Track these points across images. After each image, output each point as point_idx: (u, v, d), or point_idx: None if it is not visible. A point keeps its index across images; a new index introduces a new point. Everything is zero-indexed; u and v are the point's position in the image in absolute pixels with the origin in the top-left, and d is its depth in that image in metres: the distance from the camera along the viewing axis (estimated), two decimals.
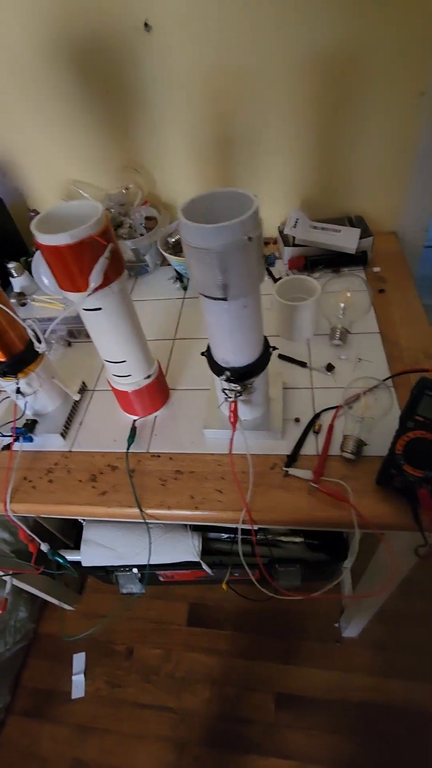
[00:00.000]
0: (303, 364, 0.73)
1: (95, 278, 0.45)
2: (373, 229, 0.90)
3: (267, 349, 0.56)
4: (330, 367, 0.71)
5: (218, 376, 0.56)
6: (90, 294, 0.47)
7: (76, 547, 1.11)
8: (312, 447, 0.62)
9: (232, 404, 0.55)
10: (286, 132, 0.87)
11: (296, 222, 0.88)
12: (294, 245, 0.89)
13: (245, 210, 0.41)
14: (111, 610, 1.38)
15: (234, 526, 0.57)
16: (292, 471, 0.59)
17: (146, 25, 0.76)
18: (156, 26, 0.76)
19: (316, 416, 0.65)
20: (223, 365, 0.54)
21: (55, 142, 0.94)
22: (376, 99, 0.81)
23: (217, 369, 0.55)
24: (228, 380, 0.55)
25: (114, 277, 0.49)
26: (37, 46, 0.81)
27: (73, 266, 0.45)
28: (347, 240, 0.86)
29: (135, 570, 1.23)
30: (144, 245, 0.92)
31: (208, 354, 0.56)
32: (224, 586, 1.21)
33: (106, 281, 0.47)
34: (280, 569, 1.21)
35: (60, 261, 0.44)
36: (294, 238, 0.88)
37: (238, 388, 0.55)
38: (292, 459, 0.60)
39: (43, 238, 0.43)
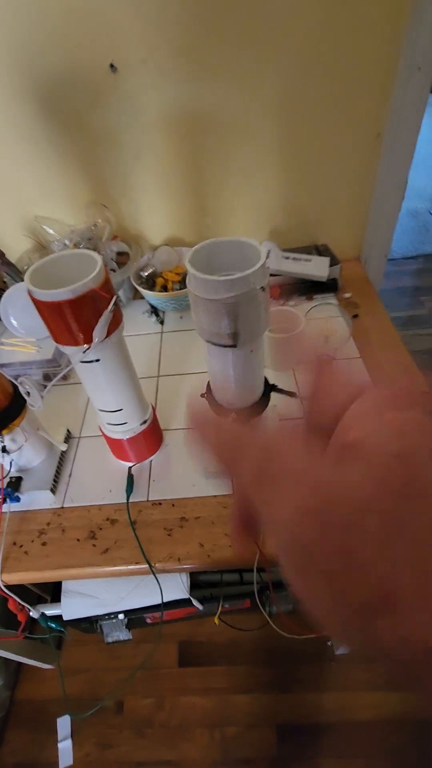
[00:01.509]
0: (292, 394, 0.73)
1: (99, 333, 0.42)
2: (339, 256, 0.94)
3: (267, 388, 0.56)
4: None
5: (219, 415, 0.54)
6: (89, 348, 0.44)
7: (54, 599, 1.04)
8: None
9: None
10: (254, 166, 0.89)
11: (268, 253, 0.90)
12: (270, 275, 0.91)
13: (248, 257, 0.41)
14: (94, 662, 1.29)
15: (249, 569, 0.55)
16: None
17: (112, 66, 0.75)
18: (121, 68, 0.76)
19: None
20: (227, 407, 0.54)
21: (20, 179, 0.90)
22: (338, 139, 0.85)
23: (217, 410, 0.54)
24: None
25: (114, 328, 0.46)
26: (1, 84, 0.78)
27: (72, 321, 0.42)
28: (318, 269, 0.89)
29: (121, 616, 1.17)
30: (117, 281, 0.89)
31: (209, 397, 0.55)
32: (216, 620, 1.18)
33: (107, 333, 0.45)
34: (272, 595, 1.19)
35: (59, 316, 0.42)
36: (268, 269, 0.90)
37: None
38: None
39: (41, 294, 0.40)
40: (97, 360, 0.50)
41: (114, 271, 0.89)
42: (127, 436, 0.60)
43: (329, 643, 1.25)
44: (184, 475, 0.64)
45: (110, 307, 0.42)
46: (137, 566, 0.55)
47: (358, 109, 0.81)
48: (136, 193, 0.92)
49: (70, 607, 1.01)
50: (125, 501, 0.60)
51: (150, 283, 0.90)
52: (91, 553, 0.56)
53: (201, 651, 1.28)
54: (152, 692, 1.23)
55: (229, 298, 0.40)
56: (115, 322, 0.47)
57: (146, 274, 0.91)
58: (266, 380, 0.55)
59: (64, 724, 1.19)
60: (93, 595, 1.09)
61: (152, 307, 0.92)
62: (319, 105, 0.81)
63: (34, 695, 1.25)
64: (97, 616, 1.13)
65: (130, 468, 0.64)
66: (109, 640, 1.22)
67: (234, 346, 0.44)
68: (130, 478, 0.63)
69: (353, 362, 0.78)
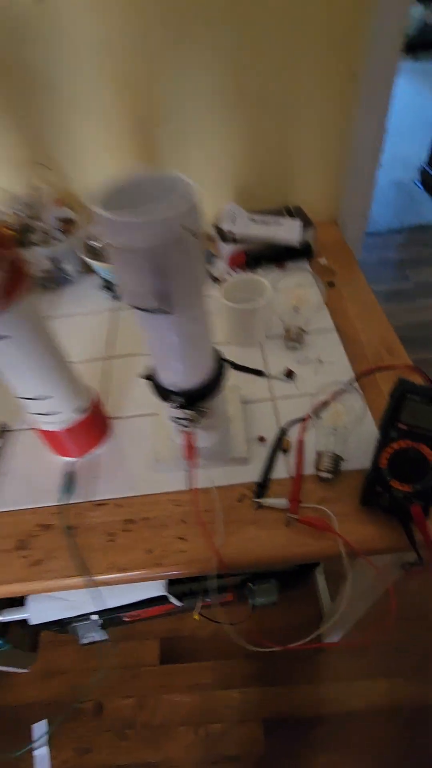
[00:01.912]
0: (260, 373, 0.65)
1: None
2: (314, 219, 0.84)
3: (221, 365, 0.47)
4: (290, 374, 0.64)
5: (166, 403, 0.46)
6: None
7: (20, 602, 0.96)
8: (282, 469, 0.54)
9: (187, 436, 0.45)
10: (215, 117, 0.79)
11: (234, 218, 0.80)
12: (233, 241, 0.81)
13: (181, 198, 0.32)
14: (72, 664, 1.22)
15: (205, 575, 0.48)
16: (265, 501, 0.50)
17: None
18: None
19: (282, 432, 0.57)
20: (172, 389, 0.45)
21: None
22: (308, 82, 0.75)
23: (163, 394, 0.45)
24: (181, 407, 0.45)
25: (15, 292, 0.37)
26: None
27: None
28: (290, 232, 0.80)
29: (95, 617, 1.10)
30: (62, 252, 0.79)
31: (150, 377, 0.46)
32: (196, 616, 1.11)
33: (8, 301, 0.36)
34: (255, 587, 1.13)
35: None
36: (233, 234, 0.80)
37: (193, 415, 0.45)
38: (263, 486, 0.52)
39: None
40: (7, 336, 0.40)
41: (59, 240, 0.78)
42: (62, 427, 0.51)
43: (317, 633, 1.20)
44: (134, 470, 0.55)
45: None
46: (73, 579, 0.46)
47: (330, 45, 0.70)
48: (79, 150, 0.81)
49: (37, 612, 0.93)
50: (62, 503, 0.52)
51: (102, 254, 0.80)
52: (20, 565, 0.48)
53: (184, 647, 1.23)
54: (133, 692, 1.17)
55: (150, 246, 0.30)
56: (18, 285, 0.37)
57: (96, 243, 0.81)
58: (219, 354, 0.47)
59: (40, 729, 1.13)
60: (62, 597, 1.01)
61: (105, 281, 0.82)
62: (283, 42, 0.70)
63: (8, 701, 1.18)
64: (68, 618, 1.06)
65: (68, 464, 0.56)
66: (85, 641, 1.15)
67: (166, 311, 0.35)
68: (68, 476, 0.54)
69: (328, 335, 0.69)
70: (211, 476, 0.53)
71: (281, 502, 0.49)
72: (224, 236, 0.82)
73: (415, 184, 2.83)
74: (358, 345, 0.67)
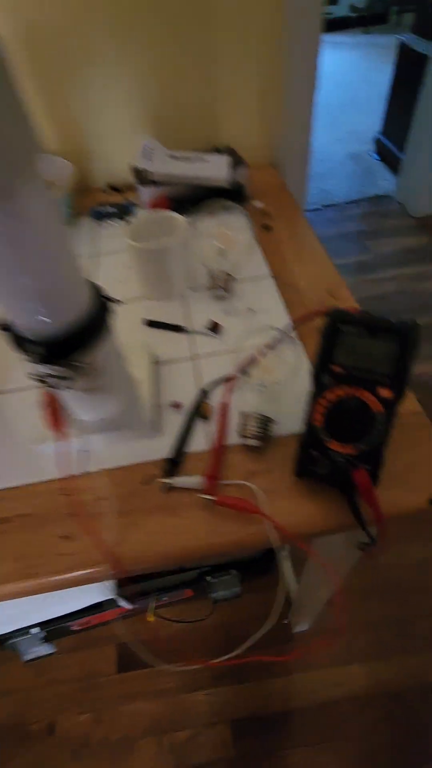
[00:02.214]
0: (178, 328, 0.53)
1: None
2: (250, 161, 0.73)
3: (101, 304, 0.35)
4: (215, 327, 0.53)
5: (25, 357, 0.34)
6: None
7: None
8: (202, 440, 0.43)
9: (48, 397, 0.34)
10: (127, 40, 0.66)
11: (150, 153, 0.67)
12: (152, 183, 0.69)
13: None
14: (18, 682, 1.10)
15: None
16: (175, 481, 0.39)
17: None
18: None
19: (203, 395, 0.46)
20: (28, 337, 0.33)
21: None
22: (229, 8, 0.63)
23: (19, 344, 0.33)
24: (44, 361, 0.33)
25: None
26: None
27: None
28: (217, 170, 0.68)
29: (35, 630, 0.97)
30: None
31: (6, 327, 0.34)
32: (151, 617, 1.01)
33: None
34: (214, 581, 1.03)
35: None
36: (151, 174, 0.68)
37: (63, 371, 0.34)
38: (174, 463, 0.41)
39: None
40: None
41: None
42: None
43: (286, 621, 1.12)
44: (8, 452, 0.43)
45: None
46: None
47: None
48: None
49: None
50: None
51: None
52: None
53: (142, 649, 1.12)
54: (88, 706, 1.06)
55: None
56: None
57: None
58: (96, 288, 0.35)
59: None
60: None
61: None
62: None
63: None
64: (2, 635, 0.94)
65: None
66: (28, 657, 1.03)
67: None
68: None
69: (261, 282, 0.58)
70: (109, 454, 0.41)
71: (195, 480, 0.38)
72: (142, 178, 0.70)
73: (371, 155, 2.77)
74: (297, 291, 0.56)
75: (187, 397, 0.46)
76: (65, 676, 1.09)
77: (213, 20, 0.65)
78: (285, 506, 0.37)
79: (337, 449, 0.35)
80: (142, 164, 0.68)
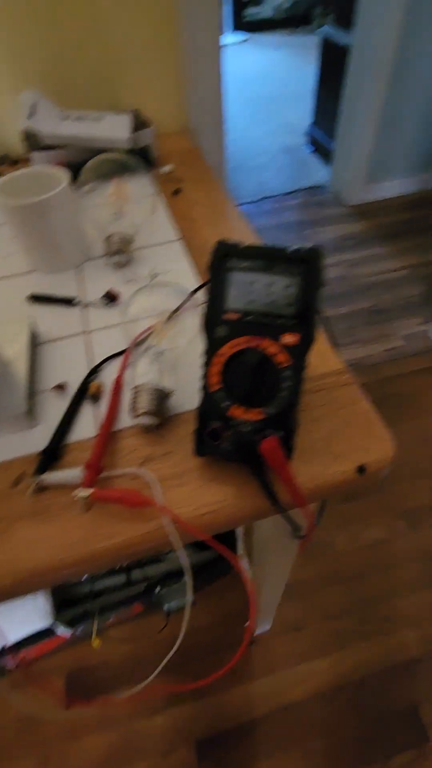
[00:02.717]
0: (69, 302, 0.45)
1: None
2: (160, 129, 0.66)
3: None
4: (111, 296, 0.45)
5: None
6: None
7: None
8: (91, 425, 0.35)
9: None
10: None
11: (34, 109, 0.59)
12: (45, 148, 0.60)
13: None
14: None
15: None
16: (48, 478, 0.31)
17: None
18: None
19: (93, 373, 0.38)
20: None
21: None
22: None
23: None
24: None
25: None
26: None
27: None
28: (116, 129, 0.60)
29: None
30: None
31: None
32: (95, 643, 0.91)
33: None
34: (163, 591, 0.95)
35: None
36: (40, 135, 0.59)
37: None
38: (51, 456, 0.33)
39: None
40: None
41: None
42: None
43: (247, 623, 1.05)
44: None
45: None
46: None
47: None
48: None
49: None
50: None
51: None
52: None
53: (94, 678, 1.01)
54: (32, 749, 0.93)
55: None
56: None
57: None
58: None
59: None
60: None
61: None
62: None
63: None
64: None
65: None
66: None
67: None
68: None
69: (168, 246, 0.51)
70: None
71: (73, 474, 0.30)
72: (33, 141, 0.61)
73: (305, 147, 2.81)
74: (208, 254, 0.50)
75: (77, 378, 0.38)
76: (3, 720, 0.96)
77: None
78: (187, 494, 0.30)
79: (241, 416, 0.28)
80: (26, 124, 0.59)
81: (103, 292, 0.46)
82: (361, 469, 0.31)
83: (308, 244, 0.26)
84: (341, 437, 0.32)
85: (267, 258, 0.27)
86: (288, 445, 0.28)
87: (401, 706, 0.92)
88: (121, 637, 0.98)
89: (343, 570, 1.09)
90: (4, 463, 0.33)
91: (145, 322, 0.39)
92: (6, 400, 0.34)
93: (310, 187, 2.48)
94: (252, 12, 4.25)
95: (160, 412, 0.33)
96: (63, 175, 0.45)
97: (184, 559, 0.29)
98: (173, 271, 0.48)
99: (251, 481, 0.30)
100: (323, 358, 0.38)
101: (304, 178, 2.55)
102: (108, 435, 0.33)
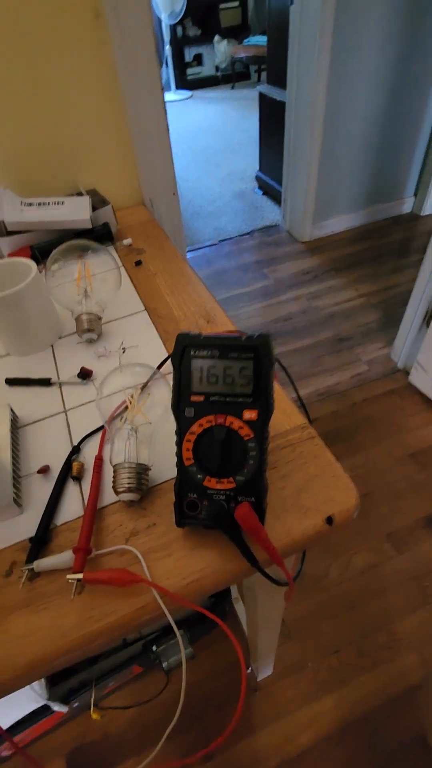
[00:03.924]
0: (46, 382, 0.48)
1: None
2: (119, 205, 0.72)
3: None
4: (85, 374, 0.48)
5: None
6: None
7: None
8: (75, 503, 0.37)
9: None
10: None
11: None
12: (9, 233, 0.64)
13: None
14: None
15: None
16: (40, 564, 0.32)
17: None
18: None
19: (74, 452, 0.40)
20: None
21: None
22: (50, 31, 0.62)
23: None
24: None
25: None
26: None
27: None
28: (77, 211, 0.65)
29: None
30: None
31: None
32: (95, 714, 0.87)
33: None
34: (161, 648, 0.93)
35: None
36: (2, 224, 0.63)
37: None
38: (40, 542, 0.34)
39: None
40: None
41: None
42: None
43: (249, 670, 1.03)
44: None
45: None
46: None
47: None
48: None
49: None
50: None
51: None
52: None
53: (97, 753, 0.96)
54: None
55: None
56: None
57: None
58: None
59: None
60: None
61: None
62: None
63: None
64: None
65: None
66: None
67: None
68: None
69: (135, 318, 0.55)
70: None
71: (63, 558, 0.32)
72: None
73: (256, 191, 2.99)
74: (173, 320, 0.54)
75: (59, 459, 0.40)
76: None
77: (43, 49, 0.64)
78: (173, 565, 0.32)
79: (215, 486, 0.31)
80: None
81: (77, 370, 0.48)
82: (329, 520, 0.34)
83: (258, 332, 0.30)
84: (309, 491, 0.36)
85: (223, 347, 0.30)
86: (260, 508, 0.31)
87: (409, 736, 0.92)
88: (121, 704, 0.94)
89: (338, 601, 1.10)
90: None
91: (119, 396, 0.42)
92: None
93: (265, 227, 2.63)
94: (194, 71, 4.58)
95: (140, 488, 0.35)
96: (31, 266, 0.49)
97: (173, 624, 0.31)
98: (142, 341, 0.51)
99: (231, 544, 0.32)
100: (287, 415, 0.41)
101: (258, 219, 2.71)
102: (93, 515, 0.35)
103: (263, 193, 2.90)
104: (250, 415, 0.30)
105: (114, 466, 0.36)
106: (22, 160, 0.71)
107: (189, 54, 4.47)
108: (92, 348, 0.51)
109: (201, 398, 0.31)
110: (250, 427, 0.30)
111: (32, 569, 0.32)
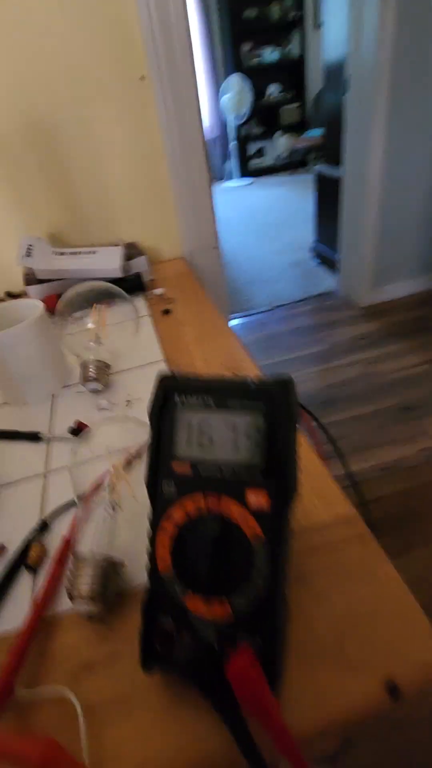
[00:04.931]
0: (34, 437, 0.40)
1: None
2: (158, 257, 0.69)
3: None
4: (77, 429, 0.40)
5: None
6: None
7: None
8: (23, 608, 0.27)
9: None
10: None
11: (29, 249, 0.62)
12: (39, 282, 0.62)
13: None
14: None
15: None
16: None
17: None
18: None
19: (42, 529, 0.31)
20: None
21: None
22: (101, 99, 0.64)
23: None
24: None
25: None
26: None
27: None
28: (108, 261, 0.62)
29: None
30: None
31: None
32: None
33: None
34: None
35: None
36: (33, 271, 0.62)
37: None
38: None
39: None
40: None
41: None
42: None
43: None
44: None
45: None
46: None
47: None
48: None
49: None
50: None
51: None
52: None
53: None
54: None
55: None
56: None
57: None
58: None
59: None
60: None
61: None
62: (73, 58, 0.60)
63: None
64: None
65: None
66: None
67: None
68: None
69: (151, 368, 0.47)
70: None
71: None
72: (28, 278, 0.63)
73: (311, 260, 3.02)
74: (191, 370, 0.45)
75: (22, 534, 0.31)
76: None
77: (92, 112, 0.66)
78: (131, 733, 0.20)
79: (200, 611, 0.19)
80: (22, 261, 0.61)
81: (73, 422, 0.41)
82: (392, 688, 0.20)
83: (275, 374, 0.20)
84: (358, 631, 0.22)
85: (222, 392, 0.21)
86: (271, 658, 0.19)
87: None
88: None
89: None
90: None
91: (108, 460, 0.33)
92: None
93: (320, 294, 2.60)
94: (256, 162, 5.00)
95: (104, 597, 0.24)
96: (38, 306, 0.44)
97: None
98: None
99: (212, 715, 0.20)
100: (326, 501, 0.29)
101: (313, 286, 2.69)
102: (30, 638, 0.24)
103: (319, 262, 2.92)
104: (257, 499, 0.19)
105: (74, 559, 0.25)
106: (69, 212, 0.72)
107: (252, 148, 4.92)
108: (95, 399, 0.44)
109: (187, 468, 0.21)
110: (258, 521, 0.19)
111: None
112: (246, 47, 4.20)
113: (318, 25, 4.17)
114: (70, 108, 0.64)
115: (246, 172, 4.98)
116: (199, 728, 0.20)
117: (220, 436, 0.20)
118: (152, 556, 0.21)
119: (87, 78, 0.62)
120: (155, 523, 0.21)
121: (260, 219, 3.85)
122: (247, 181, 4.90)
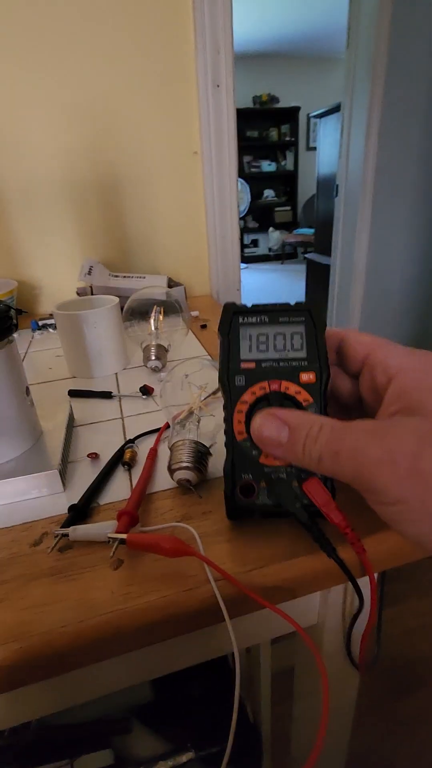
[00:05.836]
0: (107, 395, 0.48)
1: None
2: (189, 293, 0.82)
3: None
4: (147, 390, 0.48)
5: None
6: None
7: None
8: (123, 487, 0.33)
9: None
10: (72, 198, 0.81)
11: (90, 269, 0.74)
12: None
13: None
14: None
15: None
16: (75, 531, 0.28)
17: None
18: None
19: (129, 443, 0.38)
20: None
21: None
22: (159, 163, 0.82)
23: None
24: None
25: None
26: None
27: None
28: (155, 285, 0.75)
29: None
30: None
31: None
32: None
33: None
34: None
35: None
36: (91, 287, 0.73)
37: None
38: (80, 513, 0.30)
39: None
40: None
41: None
42: None
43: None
44: None
45: None
46: None
47: (172, 128, 0.80)
48: None
49: None
50: None
51: None
52: None
53: None
54: None
55: None
56: None
57: None
58: None
59: None
60: None
61: None
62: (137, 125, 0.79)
63: None
64: None
65: None
66: None
67: None
68: None
69: (199, 360, 0.57)
70: None
71: (104, 525, 0.27)
72: (83, 293, 0.74)
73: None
74: None
75: (108, 450, 0.38)
76: None
77: (146, 173, 0.83)
78: (232, 551, 0.27)
79: (273, 464, 0.27)
80: (83, 278, 0.73)
81: (136, 388, 0.49)
82: None
83: (308, 300, 0.30)
84: None
85: (273, 312, 0.30)
86: (330, 485, 0.26)
87: None
88: None
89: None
90: (27, 524, 0.30)
91: (178, 407, 0.41)
92: (36, 463, 0.33)
93: None
94: (250, 250, 5.57)
95: (199, 468, 0.31)
96: (114, 300, 0.54)
97: (226, 615, 0.23)
98: (201, 374, 0.52)
99: (304, 537, 0.27)
100: None
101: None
102: (144, 487, 0.31)
103: None
104: (308, 377, 0.28)
105: (171, 445, 0.33)
106: (119, 246, 0.86)
107: (247, 239, 5.50)
108: (155, 375, 0.53)
109: (252, 365, 0.29)
110: (309, 392, 0.28)
111: (66, 535, 0.27)
112: (247, 158, 4.94)
113: (309, 148, 4.99)
114: (134, 168, 0.81)
115: (242, 258, 5.52)
116: (284, 545, 0.27)
117: (274, 342, 0.30)
118: (230, 431, 0.28)
119: (153, 149, 0.80)
120: (231, 406, 0.29)
121: (254, 298, 4.21)
122: (242, 266, 5.41)
